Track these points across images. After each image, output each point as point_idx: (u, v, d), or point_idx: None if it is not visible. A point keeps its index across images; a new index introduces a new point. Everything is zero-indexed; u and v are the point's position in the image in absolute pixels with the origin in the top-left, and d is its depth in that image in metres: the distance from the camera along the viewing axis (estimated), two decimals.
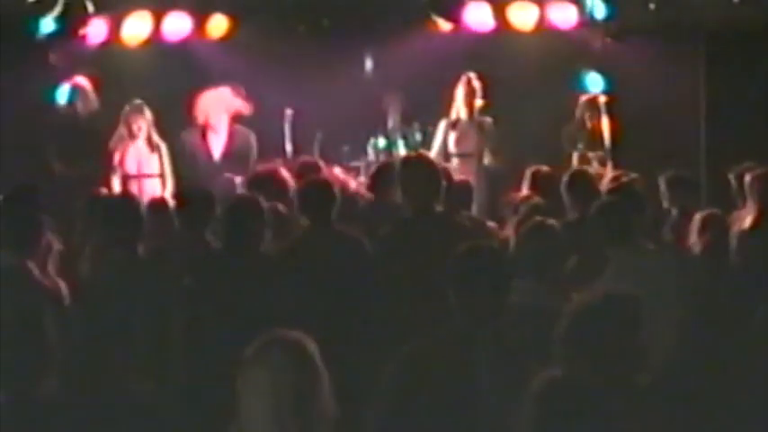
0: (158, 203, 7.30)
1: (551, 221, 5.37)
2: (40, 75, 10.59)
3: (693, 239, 6.08)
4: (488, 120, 10.17)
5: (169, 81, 10.63)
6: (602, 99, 10.34)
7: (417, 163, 6.08)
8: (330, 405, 3.47)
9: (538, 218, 5.42)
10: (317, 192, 6.21)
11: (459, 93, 10.20)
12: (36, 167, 9.80)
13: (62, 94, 10.49)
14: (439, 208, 5.90)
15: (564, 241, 5.25)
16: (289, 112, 10.43)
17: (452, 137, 10.20)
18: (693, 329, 5.30)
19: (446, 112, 10.40)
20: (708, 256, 5.97)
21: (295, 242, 6.24)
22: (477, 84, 10.13)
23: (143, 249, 5.96)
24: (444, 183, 6.06)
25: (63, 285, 5.77)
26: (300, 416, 3.39)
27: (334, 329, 5.42)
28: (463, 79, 10.19)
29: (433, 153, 9.75)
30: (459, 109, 10.21)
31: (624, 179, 7.31)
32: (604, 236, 5.42)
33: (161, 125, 10.07)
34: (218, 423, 3.71)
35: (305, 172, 7.65)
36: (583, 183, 7.02)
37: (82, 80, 10.40)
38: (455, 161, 10.07)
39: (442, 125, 10.28)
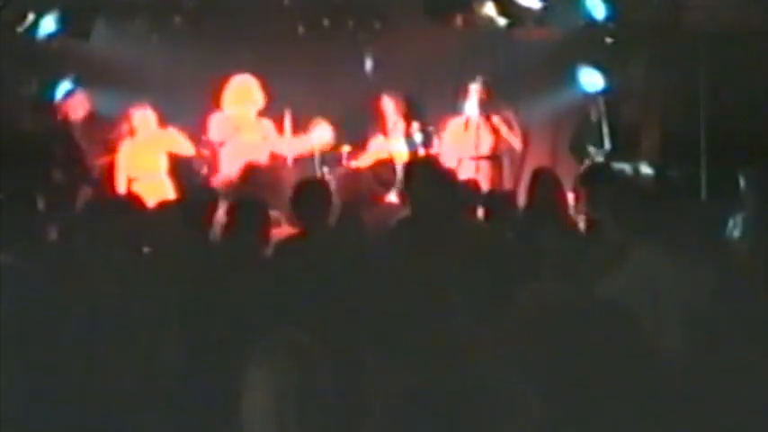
0: (162, 203, 7.29)
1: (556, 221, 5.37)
2: (40, 75, 10.59)
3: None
4: (509, 117, 10.22)
5: (171, 80, 10.64)
6: (602, 98, 10.34)
7: (420, 163, 6.08)
8: (331, 406, 3.47)
9: (542, 218, 5.39)
10: (313, 192, 6.22)
11: (473, 96, 10.23)
12: (36, 168, 9.79)
13: (59, 96, 10.48)
14: (442, 209, 5.89)
15: (573, 240, 5.23)
16: (288, 112, 10.44)
17: (465, 138, 10.24)
18: (713, 330, 5.20)
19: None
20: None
21: (294, 242, 6.24)
22: (492, 89, 10.18)
23: (147, 250, 5.96)
24: (449, 184, 6.05)
25: (64, 286, 5.76)
26: (302, 416, 3.40)
27: (334, 330, 5.42)
28: (479, 82, 10.22)
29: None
30: (470, 111, 10.26)
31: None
32: (629, 232, 5.30)
33: (163, 124, 10.10)
34: (219, 423, 3.71)
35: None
36: (601, 178, 6.92)
37: (78, 82, 10.40)
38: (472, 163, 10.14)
39: (453, 125, 10.33)
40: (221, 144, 10.15)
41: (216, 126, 10.16)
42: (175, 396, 5.34)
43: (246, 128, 10.17)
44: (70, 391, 5.02)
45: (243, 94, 10.19)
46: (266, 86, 10.36)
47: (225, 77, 10.30)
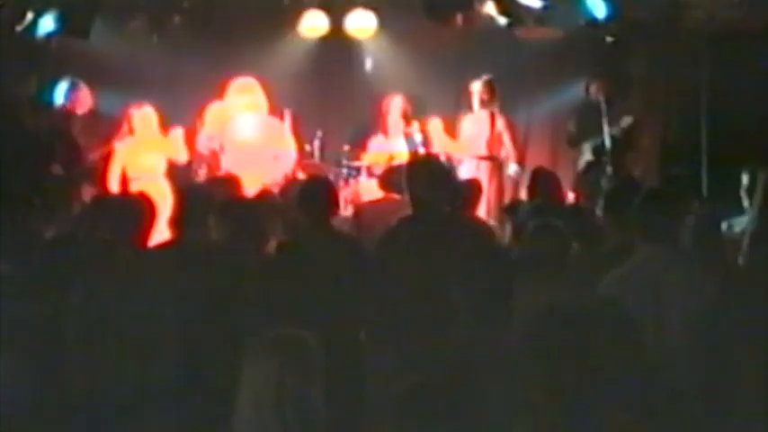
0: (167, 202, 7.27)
1: (555, 221, 5.34)
2: (40, 75, 10.58)
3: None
4: (507, 119, 10.25)
5: (170, 80, 10.64)
6: (603, 98, 10.32)
7: (421, 162, 6.07)
8: (327, 403, 3.48)
9: (541, 218, 5.37)
10: (317, 191, 6.21)
11: (476, 94, 10.24)
12: (35, 168, 9.78)
13: (60, 94, 10.47)
14: (443, 208, 5.88)
15: (568, 241, 5.22)
16: (288, 112, 10.42)
17: (468, 135, 10.26)
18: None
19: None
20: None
21: (293, 241, 6.22)
22: (494, 87, 10.20)
23: (150, 248, 5.95)
24: (449, 182, 6.04)
25: (66, 286, 5.75)
26: (299, 412, 3.40)
27: (332, 330, 5.40)
28: (482, 80, 10.24)
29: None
30: (475, 108, 10.29)
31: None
32: (640, 232, 5.24)
33: (162, 124, 10.09)
34: (219, 418, 3.71)
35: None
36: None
37: (79, 80, 10.39)
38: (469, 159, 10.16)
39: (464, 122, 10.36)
40: (221, 149, 10.06)
41: (213, 116, 10.14)
42: (175, 393, 5.33)
43: (245, 122, 10.11)
44: (70, 391, 5.02)
45: (246, 89, 10.14)
46: (266, 86, 10.34)
47: (225, 79, 10.27)
